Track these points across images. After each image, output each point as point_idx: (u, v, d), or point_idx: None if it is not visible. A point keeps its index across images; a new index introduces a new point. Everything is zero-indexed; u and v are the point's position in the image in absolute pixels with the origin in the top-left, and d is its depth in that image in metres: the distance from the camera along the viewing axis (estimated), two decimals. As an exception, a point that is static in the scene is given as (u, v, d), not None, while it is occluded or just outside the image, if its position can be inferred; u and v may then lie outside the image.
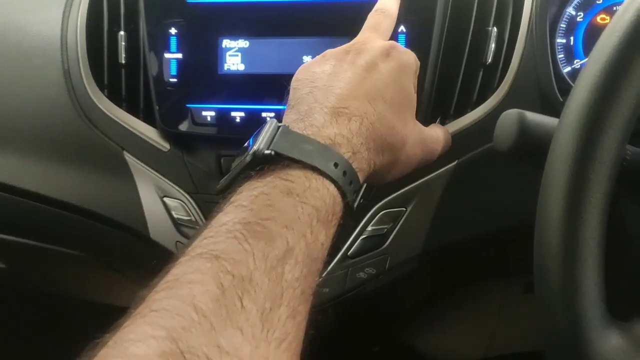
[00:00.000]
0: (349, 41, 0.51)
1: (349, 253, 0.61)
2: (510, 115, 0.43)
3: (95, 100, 0.65)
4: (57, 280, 0.88)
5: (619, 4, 0.60)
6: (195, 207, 0.63)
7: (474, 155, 0.59)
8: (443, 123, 0.61)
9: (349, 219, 0.42)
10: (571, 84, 0.60)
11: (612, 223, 0.36)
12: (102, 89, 0.66)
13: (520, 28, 0.59)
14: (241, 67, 0.62)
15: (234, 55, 0.62)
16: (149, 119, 0.65)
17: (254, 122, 0.62)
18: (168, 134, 0.64)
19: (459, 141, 0.59)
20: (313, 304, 0.58)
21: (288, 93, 0.47)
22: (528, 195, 0.58)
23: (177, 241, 0.63)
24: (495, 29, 0.60)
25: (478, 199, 0.60)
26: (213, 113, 0.63)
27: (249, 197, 0.37)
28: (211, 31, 0.62)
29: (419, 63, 0.52)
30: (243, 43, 0.61)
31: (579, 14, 0.62)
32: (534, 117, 0.42)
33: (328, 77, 0.46)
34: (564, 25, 0.62)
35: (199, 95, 0.63)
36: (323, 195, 0.39)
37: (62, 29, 0.66)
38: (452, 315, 0.84)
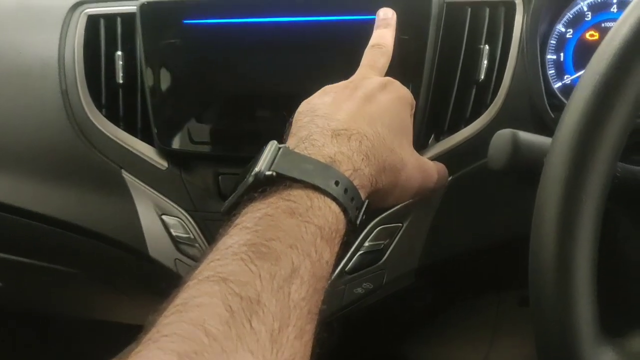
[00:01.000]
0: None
1: (346, 269, 0.62)
2: (504, 135, 0.44)
3: (93, 119, 0.66)
4: (55, 298, 0.89)
5: (608, 20, 0.62)
6: (194, 224, 0.64)
7: (468, 172, 0.60)
8: (437, 139, 0.62)
9: (353, 236, 0.43)
10: (562, 99, 0.62)
11: (604, 239, 0.37)
12: (99, 108, 0.67)
13: (512, 45, 0.60)
14: (239, 86, 0.62)
15: (232, 74, 0.62)
16: (146, 138, 0.66)
17: (253, 141, 0.62)
18: (166, 153, 0.65)
19: (453, 157, 0.60)
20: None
21: (290, 124, 0.48)
22: (521, 210, 0.59)
23: (176, 258, 0.64)
24: (487, 46, 0.61)
25: (472, 214, 0.61)
26: (211, 131, 0.63)
27: (253, 218, 0.38)
28: (208, 51, 0.63)
29: (414, 102, 0.54)
30: (241, 62, 0.62)
31: (568, 30, 0.63)
32: (527, 137, 0.43)
33: (328, 107, 0.48)
34: (554, 42, 0.63)
35: (197, 114, 0.63)
36: (325, 213, 0.40)
37: (59, 50, 0.67)
38: (449, 328, 0.84)
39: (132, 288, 0.78)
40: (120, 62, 0.67)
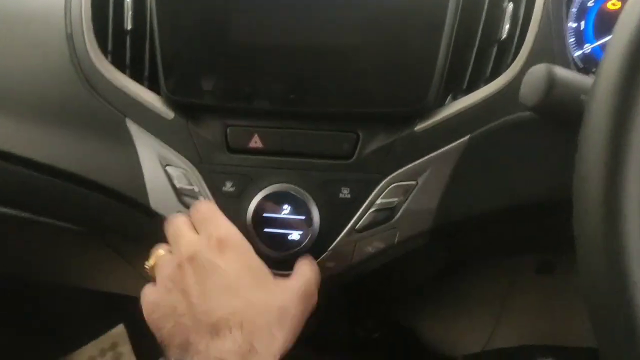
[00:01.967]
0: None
1: (356, 226, 0.60)
2: (539, 70, 0.42)
3: (97, 65, 0.63)
4: (40, 260, 0.85)
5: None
6: (199, 176, 0.61)
7: (485, 130, 0.59)
8: (455, 98, 0.61)
9: None
10: (582, 66, 0.61)
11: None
12: (105, 54, 0.64)
13: (536, 5, 0.59)
14: (252, 37, 0.60)
15: (245, 24, 0.60)
16: (153, 87, 0.63)
17: (263, 94, 0.60)
18: (172, 102, 0.62)
19: (471, 116, 0.59)
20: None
21: None
22: (541, 171, 0.58)
23: (178, 211, 0.61)
24: (510, 4, 0.60)
25: (489, 175, 0.59)
26: (220, 82, 0.61)
27: None
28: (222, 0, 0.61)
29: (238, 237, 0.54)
30: (256, 12, 0.60)
31: (590, -2, 0.62)
32: (563, 73, 0.42)
33: (183, 298, 0.47)
34: (575, 10, 0.62)
35: (207, 64, 0.61)
36: None
37: (66, -8, 0.65)
38: (458, 298, 0.82)
39: (128, 246, 0.75)
40: (130, 9, 0.64)
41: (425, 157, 0.59)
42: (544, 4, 0.59)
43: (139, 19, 0.64)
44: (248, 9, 0.59)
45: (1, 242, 0.80)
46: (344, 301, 0.68)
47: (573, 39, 0.62)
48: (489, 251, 0.71)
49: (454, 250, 0.66)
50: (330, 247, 0.60)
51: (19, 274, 0.86)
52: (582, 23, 0.62)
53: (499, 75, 0.59)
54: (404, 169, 0.59)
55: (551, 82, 0.41)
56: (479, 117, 0.58)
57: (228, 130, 0.62)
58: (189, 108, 0.63)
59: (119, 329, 1.15)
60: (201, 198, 0.61)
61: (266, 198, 0.60)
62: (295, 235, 0.60)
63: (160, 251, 0.56)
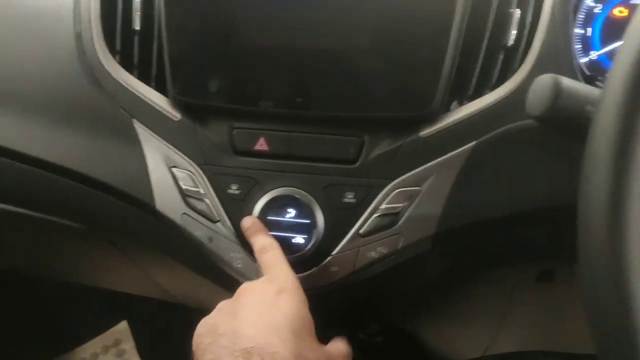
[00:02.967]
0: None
1: (360, 231, 0.60)
2: (545, 79, 0.42)
3: (105, 65, 0.63)
4: (46, 258, 0.85)
5: (638, -3, 0.61)
6: (205, 178, 0.62)
7: (491, 137, 0.59)
8: (461, 103, 0.61)
9: None
10: (588, 73, 0.61)
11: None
12: (113, 54, 0.64)
13: (543, 11, 0.59)
14: (260, 40, 0.60)
15: (254, 26, 0.60)
16: (160, 87, 0.64)
17: (270, 96, 0.61)
18: (180, 103, 0.63)
19: (476, 122, 0.59)
20: (320, 283, 0.57)
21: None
22: (545, 179, 0.58)
23: (183, 213, 0.62)
24: (518, 10, 0.60)
25: (494, 182, 0.59)
26: (227, 84, 0.61)
27: None
28: (229, 1, 0.61)
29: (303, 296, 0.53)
30: (264, 14, 0.60)
31: (597, 5, 0.62)
32: (570, 84, 0.42)
33: (230, 322, 0.47)
34: (582, 16, 0.62)
35: (215, 66, 0.61)
36: None
37: (75, -9, 0.65)
38: (459, 305, 0.82)
39: (133, 247, 0.75)
40: (138, 9, 0.64)
41: (430, 163, 0.59)
42: (551, 10, 0.59)
43: (148, 20, 0.64)
44: (256, 12, 0.59)
45: (6, 239, 0.80)
46: (346, 305, 0.68)
47: (580, 46, 0.62)
48: (490, 258, 0.71)
49: (457, 257, 0.66)
50: (334, 252, 0.60)
51: (24, 271, 0.87)
52: (589, 30, 0.62)
53: (505, 81, 0.59)
54: (408, 174, 0.59)
55: (557, 92, 0.41)
56: (485, 123, 0.59)
57: (234, 132, 0.62)
58: (195, 110, 0.63)
59: (122, 326, 1.16)
60: (207, 200, 0.61)
61: (271, 201, 0.61)
62: (299, 239, 0.60)
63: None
